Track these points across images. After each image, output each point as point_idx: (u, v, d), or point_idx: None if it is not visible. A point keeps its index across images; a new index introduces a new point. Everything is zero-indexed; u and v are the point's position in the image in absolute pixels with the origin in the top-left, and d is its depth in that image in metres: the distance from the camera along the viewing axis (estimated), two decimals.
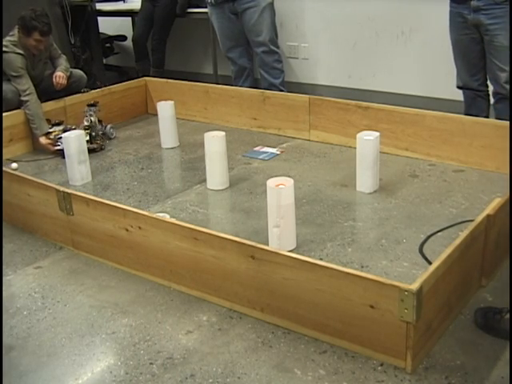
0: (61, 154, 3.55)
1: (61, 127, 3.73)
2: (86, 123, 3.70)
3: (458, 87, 3.56)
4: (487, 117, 3.49)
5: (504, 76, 3.22)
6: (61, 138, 3.51)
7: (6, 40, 3.74)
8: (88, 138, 3.63)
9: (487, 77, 3.39)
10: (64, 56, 4.05)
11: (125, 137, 4.07)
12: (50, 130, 3.71)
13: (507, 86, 3.22)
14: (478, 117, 3.36)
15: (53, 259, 2.56)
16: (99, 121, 3.81)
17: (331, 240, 2.54)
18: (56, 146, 3.65)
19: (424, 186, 3.02)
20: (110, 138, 3.93)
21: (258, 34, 4.28)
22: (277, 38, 4.42)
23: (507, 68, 3.20)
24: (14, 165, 3.47)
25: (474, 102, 3.50)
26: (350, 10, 4.70)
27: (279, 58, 4.42)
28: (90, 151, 3.49)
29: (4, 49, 3.71)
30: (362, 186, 2.98)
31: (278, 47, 4.42)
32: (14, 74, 3.70)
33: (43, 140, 3.69)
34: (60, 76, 3.90)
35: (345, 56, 4.83)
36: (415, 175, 3.17)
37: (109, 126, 3.95)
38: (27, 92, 3.70)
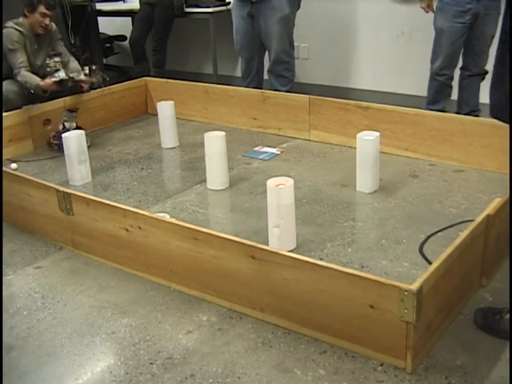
0: (60, 86, 3.64)
1: (58, 58, 3.71)
2: (59, 128, 3.68)
3: (434, 74, 3.79)
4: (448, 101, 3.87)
5: (486, 62, 3.65)
6: (58, 70, 3.59)
7: (9, 21, 3.79)
8: (87, 71, 3.69)
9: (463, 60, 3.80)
10: (73, 59, 4.08)
11: (125, 137, 4.07)
12: (48, 61, 3.70)
13: (487, 69, 3.62)
14: (443, 101, 3.82)
15: (53, 259, 2.56)
16: (78, 127, 3.68)
17: (331, 240, 2.54)
18: (53, 78, 3.63)
19: (424, 186, 3.02)
20: (88, 147, 3.74)
21: (271, 42, 4.19)
22: (292, 47, 4.29)
23: (488, 54, 3.61)
24: (14, 165, 3.47)
25: (441, 90, 3.80)
26: (350, 9, 4.70)
27: (289, 67, 4.30)
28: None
29: (5, 25, 3.75)
30: (361, 186, 2.99)
31: (290, 56, 4.29)
32: (11, 47, 3.72)
33: (43, 82, 3.69)
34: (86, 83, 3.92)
35: (345, 56, 4.84)
36: (415, 175, 3.17)
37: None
38: (21, 65, 3.71)
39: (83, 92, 3.93)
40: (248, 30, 4.28)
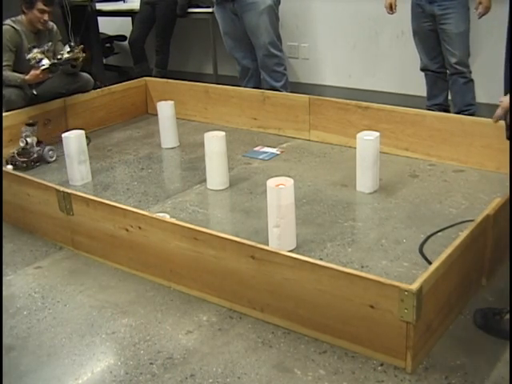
0: (49, 72, 3.68)
1: (36, 49, 3.69)
2: (21, 144, 3.53)
3: (421, 70, 3.95)
4: (447, 96, 3.93)
5: (454, 59, 3.67)
6: (41, 59, 3.61)
7: (8, 19, 3.79)
8: (68, 49, 3.71)
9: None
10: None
11: (125, 137, 4.07)
12: (29, 56, 3.67)
13: (457, 67, 3.68)
14: (441, 95, 3.91)
15: (53, 259, 2.56)
16: (39, 141, 3.58)
17: (331, 240, 2.54)
18: (40, 67, 3.63)
19: (424, 186, 3.02)
20: (48, 162, 3.59)
21: (258, 37, 4.24)
22: (279, 40, 4.35)
23: (457, 52, 3.66)
24: (10, 166, 3.44)
25: (436, 83, 3.91)
26: (350, 9, 4.70)
27: (280, 61, 4.34)
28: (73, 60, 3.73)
29: (4, 22, 3.76)
30: (362, 186, 2.98)
31: (279, 50, 4.34)
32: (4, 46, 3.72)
33: (27, 76, 3.68)
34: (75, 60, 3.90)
35: (345, 56, 4.84)
36: (415, 175, 3.17)
37: (47, 148, 3.61)
38: (4, 64, 3.70)
39: (76, 68, 3.93)
40: (235, 30, 4.32)
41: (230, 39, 4.42)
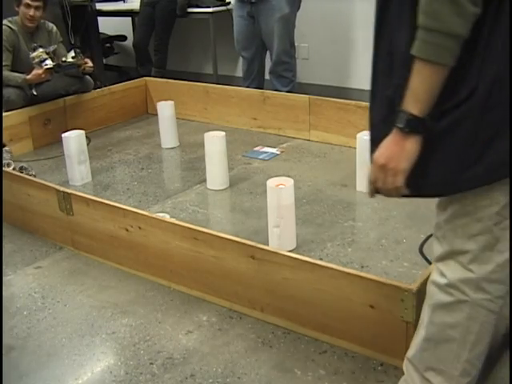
0: (52, 73, 3.70)
1: (41, 49, 3.70)
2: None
3: None
4: None
5: None
6: (45, 59, 3.63)
7: (5, 19, 3.81)
8: (73, 54, 3.75)
9: None
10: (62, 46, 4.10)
11: (125, 137, 4.07)
12: (33, 55, 3.68)
13: None
14: None
15: (53, 259, 2.56)
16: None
17: (331, 240, 2.54)
18: (43, 67, 3.65)
19: None
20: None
21: (271, 42, 4.18)
22: (293, 48, 4.29)
23: None
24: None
25: None
26: (350, 9, 4.70)
27: (290, 67, 4.29)
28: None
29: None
30: (362, 185, 2.98)
31: (291, 57, 4.28)
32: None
33: (29, 75, 3.70)
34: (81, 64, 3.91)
35: (345, 56, 4.84)
36: None
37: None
38: (3, 64, 3.70)
39: (84, 74, 3.98)
40: (248, 31, 4.28)
41: (241, 39, 4.37)
